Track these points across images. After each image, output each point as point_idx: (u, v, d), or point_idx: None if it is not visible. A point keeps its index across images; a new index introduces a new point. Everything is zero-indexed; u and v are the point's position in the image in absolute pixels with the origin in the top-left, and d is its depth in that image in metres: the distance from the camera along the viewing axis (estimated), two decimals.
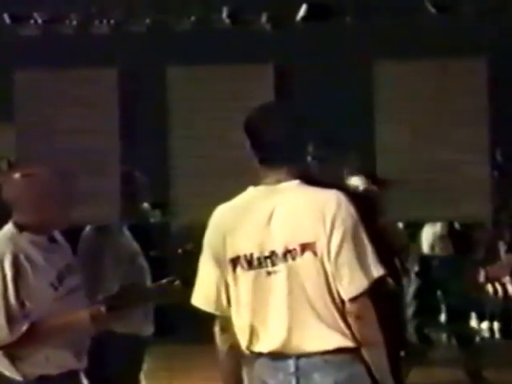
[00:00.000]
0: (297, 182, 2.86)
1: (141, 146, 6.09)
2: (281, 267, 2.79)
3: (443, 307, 8.69)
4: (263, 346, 2.86)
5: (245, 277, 2.84)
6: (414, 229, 7.67)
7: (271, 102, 3.14)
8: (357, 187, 5.31)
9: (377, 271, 2.79)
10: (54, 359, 3.32)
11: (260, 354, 2.88)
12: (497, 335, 10.08)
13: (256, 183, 2.92)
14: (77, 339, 3.41)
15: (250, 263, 2.83)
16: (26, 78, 5.68)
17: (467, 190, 5.36)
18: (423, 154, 5.65)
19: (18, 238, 3.35)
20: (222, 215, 2.96)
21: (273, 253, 2.80)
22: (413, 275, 7.65)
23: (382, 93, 5.61)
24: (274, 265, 2.80)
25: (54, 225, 3.46)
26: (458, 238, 7.67)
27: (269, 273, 2.81)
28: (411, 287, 7.66)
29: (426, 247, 7.62)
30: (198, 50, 7.11)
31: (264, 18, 7.36)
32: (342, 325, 2.79)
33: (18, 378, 3.29)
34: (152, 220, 10.57)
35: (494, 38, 6.79)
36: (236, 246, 2.86)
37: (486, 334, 10.02)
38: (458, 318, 7.67)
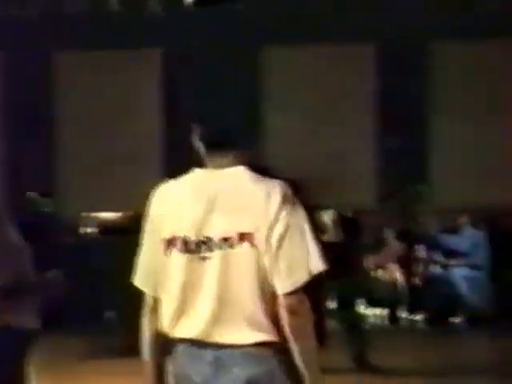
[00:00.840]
0: (242, 168, 2.80)
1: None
2: (215, 254, 2.73)
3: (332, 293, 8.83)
4: (185, 331, 2.81)
5: (179, 259, 2.78)
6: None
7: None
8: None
9: (317, 267, 2.74)
10: None
11: (182, 341, 2.83)
12: (384, 321, 10.31)
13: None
14: None
15: (185, 246, 2.77)
16: None
17: (354, 178, 5.42)
18: (312, 141, 5.68)
19: None
20: (164, 194, 2.87)
21: (209, 239, 2.74)
22: None
23: (271, 79, 5.59)
24: (209, 251, 2.75)
25: None
26: (347, 224, 7.77)
27: (203, 258, 2.75)
28: None
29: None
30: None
31: (154, 2, 7.29)
32: (267, 320, 2.75)
33: None
34: (42, 209, 10.32)
35: (381, 26, 6.88)
36: (174, 227, 2.79)
37: (373, 320, 10.23)
38: (346, 304, 7.75)
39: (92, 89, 5.79)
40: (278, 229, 2.69)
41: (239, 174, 2.79)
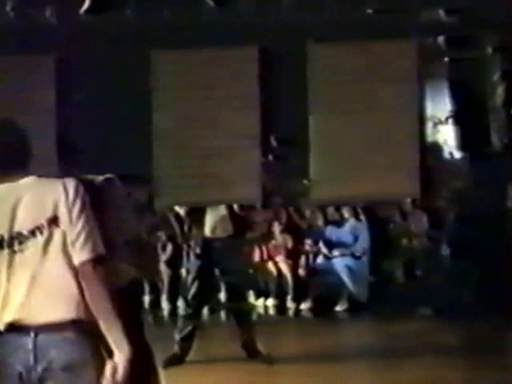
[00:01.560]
0: (33, 177, 3.12)
1: None
2: (29, 244, 3.04)
3: (222, 286, 9.04)
4: (4, 318, 3.02)
5: None
6: (197, 213, 7.86)
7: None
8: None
9: (99, 250, 3.06)
10: None
11: (1, 333, 3.03)
12: (271, 311, 10.53)
13: None
14: None
15: (0, 244, 3.05)
16: None
17: (238, 175, 5.65)
18: (198, 140, 5.89)
19: None
20: None
21: (20, 233, 3.04)
22: (193, 257, 7.82)
23: (159, 82, 5.78)
24: (21, 243, 3.04)
25: None
26: (237, 219, 7.91)
27: (19, 250, 3.05)
28: (192, 269, 7.85)
29: (208, 230, 7.79)
30: None
31: (48, 12, 7.27)
32: (78, 297, 3.02)
33: None
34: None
35: (265, 29, 7.12)
36: None
37: (262, 310, 10.45)
38: (236, 295, 7.95)
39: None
40: (74, 211, 3.04)
41: (33, 179, 3.12)
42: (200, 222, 7.75)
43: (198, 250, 7.82)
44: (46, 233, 3.04)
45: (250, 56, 6.31)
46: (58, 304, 3.02)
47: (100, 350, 3.05)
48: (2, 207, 3.08)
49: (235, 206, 7.91)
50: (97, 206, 3.13)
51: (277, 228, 10.83)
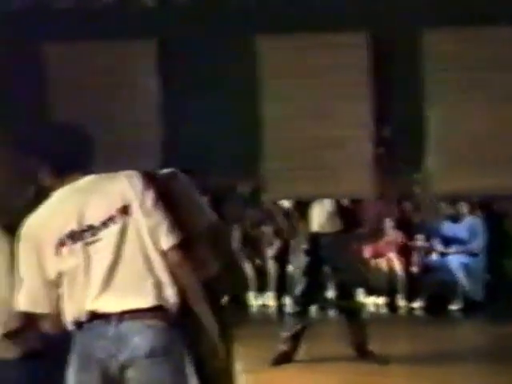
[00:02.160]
0: (93, 175, 3.17)
1: None
2: (101, 235, 3.06)
3: (331, 284, 8.84)
4: (85, 307, 3.05)
5: (70, 252, 3.09)
6: (303, 207, 7.71)
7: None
8: None
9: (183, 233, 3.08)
10: None
11: (81, 324, 3.07)
12: (382, 309, 10.30)
13: None
14: None
15: (72, 239, 3.08)
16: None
17: (350, 167, 5.43)
18: (307, 130, 5.68)
19: None
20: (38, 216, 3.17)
21: (91, 226, 3.07)
22: (301, 253, 7.69)
23: (266, 69, 5.61)
24: (94, 235, 3.07)
25: None
26: (345, 214, 7.72)
27: (93, 242, 3.07)
28: (300, 265, 7.70)
29: (315, 225, 7.65)
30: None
31: None
32: (159, 284, 3.03)
33: None
34: None
35: (376, 14, 6.89)
36: (59, 229, 3.09)
37: (373, 309, 10.23)
38: (346, 293, 7.76)
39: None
40: (147, 199, 3.07)
41: (95, 177, 3.17)
42: (306, 217, 7.60)
43: (305, 246, 7.66)
44: (119, 222, 3.05)
45: (359, 43, 6.05)
46: (139, 291, 3.03)
47: (183, 338, 3.03)
48: (68, 206, 3.11)
49: (343, 200, 7.71)
50: (162, 199, 3.11)
51: (388, 223, 10.58)
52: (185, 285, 3.05)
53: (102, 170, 3.19)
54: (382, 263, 10.51)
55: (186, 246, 3.07)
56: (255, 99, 5.99)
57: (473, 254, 10.29)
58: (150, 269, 3.04)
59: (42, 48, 6.12)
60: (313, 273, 7.54)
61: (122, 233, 3.05)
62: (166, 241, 3.05)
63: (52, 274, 3.11)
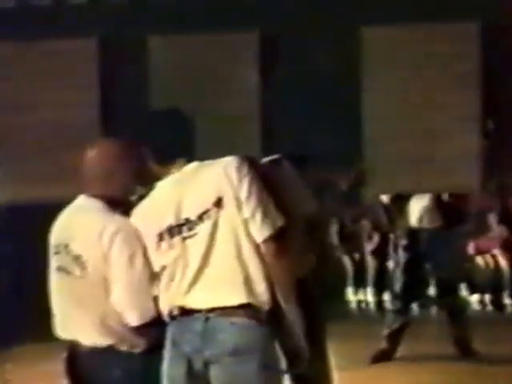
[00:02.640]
0: (196, 163, 3.15)
1: None
2: (197, 229, 3.04)
3: (433, 280, 8.63)
4: (177, 301, 3.07)
5: (169, 247, 3.10)
6: (402, 201, 7.57)
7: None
8: None
9: (279, 222, 3.03)
10: None
11: (174, 317, 3.09)
12: (488, 307, 10.04)
13: None
14: None
15: (171, 233, 3.09)
16: None
17: (456, 160, 5.25)
18: (411, 122, 5.52)
19: None
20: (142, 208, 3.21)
21: (188, 220, 3.06)
22: (401, 249, 7.55)
23: (370, 59, 5.48)
24: (190, 229, 3.06)
25: None
26: (446, 209, 7.56)
27: (189, 236, 3.06)
28: (400, 261, 7.57)
29: (413, 220, 7.51)
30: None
31: None
32: (249, 281, 2.99)
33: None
34: None
35: (486, 1, 6.67)
36: (159, 224, 3.11)
37: (477, 306, 9.98)
38: (448, 290, 7.58)
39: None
40: (243, 189, 3.03)
41: (194, 166, 3.16)
42: (405, 212, 7.46)
43: (404, 241, 7.51)
44: (213, 216, 3.01)
45: (470, 32, 5.85)
46: (228, 288, 3.01)
47: (269, 337, 3.00)
48: (169, 198, 3.10)
49: (444, 195, 7.53)
50: (262, 184, 3.06)
51: (492, 219, 10.29)
52: (277, 281, 3.00)
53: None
54: (487, 259, 10.25)
55: (282, 237, 3.01)
56: (357, 91, 5.85)
57: None
58: (242, 264, 3.00)
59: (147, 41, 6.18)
60: (413, 269, 7.40)
61: (215, 227, 3.02)
62: (260, 233, 3.00)
63: (155, 267, 3.14)
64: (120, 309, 3.16)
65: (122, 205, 3.27)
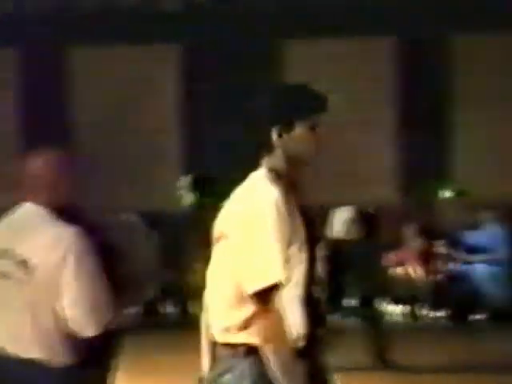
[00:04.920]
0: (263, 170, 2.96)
1: None
2: (216, 247, 2.97)
3: (352, 291, 8.74)
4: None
5: None
6: (325, 213, 7.67)
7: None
8: None
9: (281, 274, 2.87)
10: None
11: None
12: (404, 318, 10.18)
13: None
14: None
15: None
16: None
17: (374, 174, 5.33)
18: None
19: None
20: None
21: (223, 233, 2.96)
22: (322, 260, 7.62)
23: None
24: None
25: None
26: (367, 221, 7.68)
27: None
28: (321, 272, 7.64)
29: (336, 232, 7.60)
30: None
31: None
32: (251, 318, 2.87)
33: None
34: None
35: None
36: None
37: (396, 317, 10.11)
38: (368, 301, 7.69)
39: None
40: None
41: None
42: (327, 223, 7.57)
43: (326, 253, 7.60)
44: (222, 242, 2.94)
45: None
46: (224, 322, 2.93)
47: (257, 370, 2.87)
48: (223, 210, 2.99)
49: (365, 207, 7.67)
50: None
51: (410, 231, 10.45)
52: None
53: None
54: (404, 271, 10.40)
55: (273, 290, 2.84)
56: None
57: (497, 263, 10.16)
58: (240, 301, 2.88)
59: None
60: (334, 280, 7.48)
61: (219, 253, 2.96)
62: (251, 286, 2.85)
63: None
64: (73, 317, 3.15)
65: (65, 212, 3.27)
